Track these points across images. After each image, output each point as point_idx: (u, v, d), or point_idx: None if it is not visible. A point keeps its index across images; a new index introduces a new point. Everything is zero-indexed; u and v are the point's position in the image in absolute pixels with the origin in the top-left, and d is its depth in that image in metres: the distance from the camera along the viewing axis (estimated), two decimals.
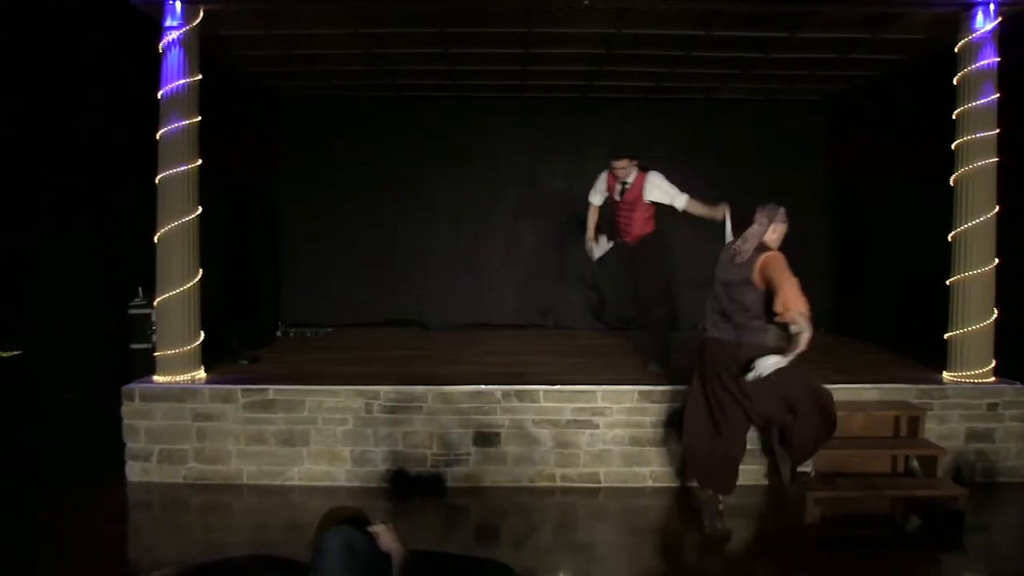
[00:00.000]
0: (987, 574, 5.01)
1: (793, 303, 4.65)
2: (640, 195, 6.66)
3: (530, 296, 9.65)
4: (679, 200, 6.62)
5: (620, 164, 6.62)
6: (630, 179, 6.66)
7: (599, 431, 6.10)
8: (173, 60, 6.07)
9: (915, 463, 5.99)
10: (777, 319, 4.75)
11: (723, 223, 6.03)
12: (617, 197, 6.78)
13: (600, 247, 7.04)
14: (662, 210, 6.80)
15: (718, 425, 5.12)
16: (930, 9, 6.26)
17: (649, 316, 7.08)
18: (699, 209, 6.53)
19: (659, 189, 6.64)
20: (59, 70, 7.79)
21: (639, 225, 6.77)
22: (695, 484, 5.52)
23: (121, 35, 7.05)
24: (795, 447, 5.25)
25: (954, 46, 6.31)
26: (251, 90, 9.02)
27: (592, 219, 7.06)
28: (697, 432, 5.23)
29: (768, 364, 4.72)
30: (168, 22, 6.07)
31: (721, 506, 5.24)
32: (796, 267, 9.58)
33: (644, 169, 6.71)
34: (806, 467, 5.49)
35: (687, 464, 5.68)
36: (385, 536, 3.04)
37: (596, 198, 6.99)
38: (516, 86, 9.03)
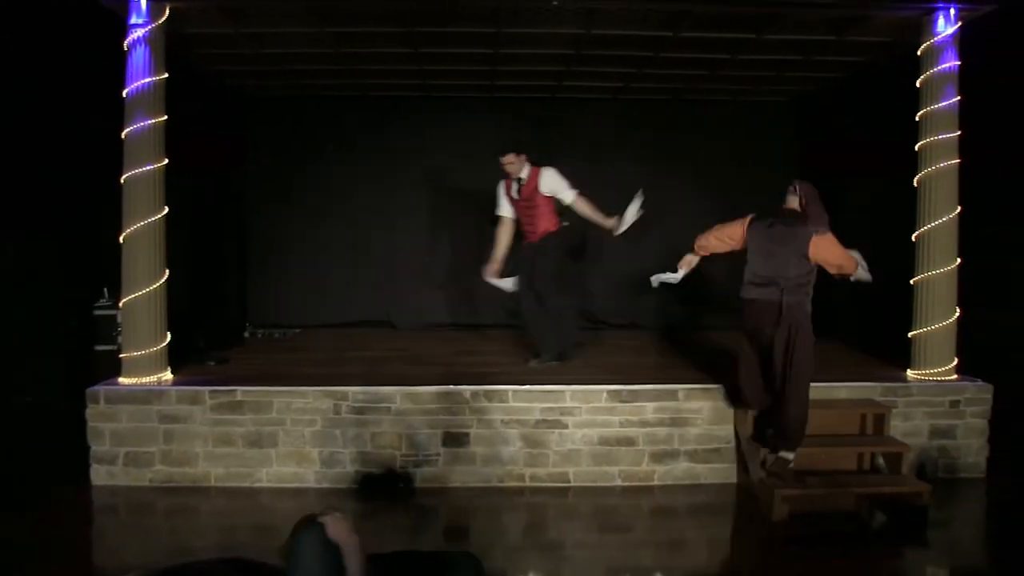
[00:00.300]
0: (949, 568, 5.09)
1: (849, 266, 5.66)
2: (535, 188, 6.76)
3: (500, 296, 9.64)
4: (568, 195, 6.79)
5: (507, 160, 6.76)
6: (524, 175, 6.75)
7: (568, 431, 6.12)
8: (138, 58, 5.99)
9: (881, 460, 6.07)
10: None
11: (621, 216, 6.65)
12: (515, 195, 6.85)
13: (504, 281, 7.08)
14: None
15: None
16: (893, 13, 6.34)
17: (539, 311, 7.02)
18: (587, 211, 6.81)
19: (552, 181, 6.77)
20: (20, 67, 7.67)
21: (544, 221, 6.85)
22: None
23: (85, 32, 6.96)
24: (786, 427, 5.46)
25: (917, 49, 6.41)
26: (218, 89, 8.94)
27: (503, 235, 7.07)
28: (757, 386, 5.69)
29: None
30: (133, 20, 5.99)
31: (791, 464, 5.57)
32: None
33: (537, 164, 6.82)
34: (789, 455, 5.57)
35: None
36: (334, 525, 2.95)
37: (504, 209, 7.04)
38: (485, 86, 9.03)
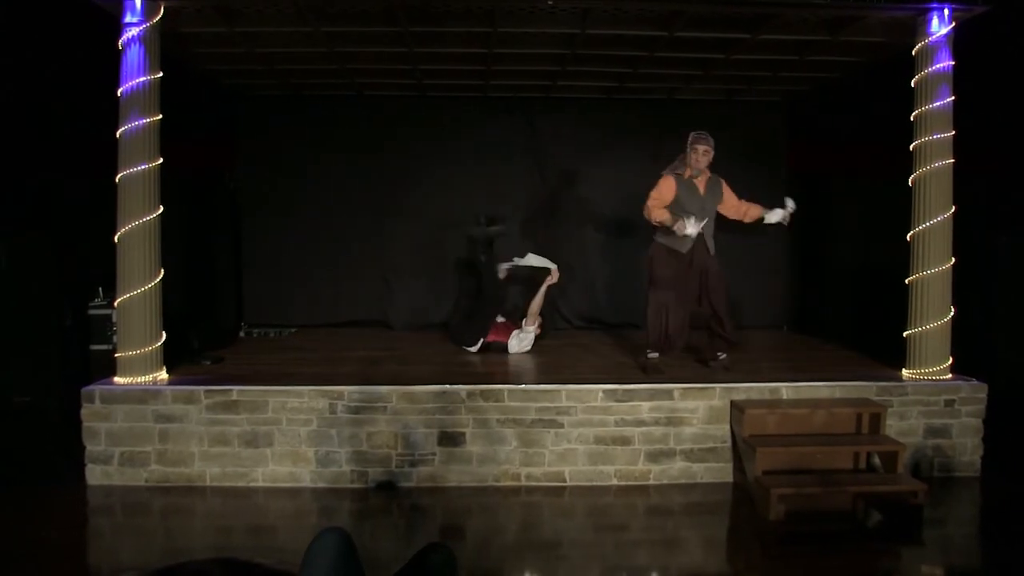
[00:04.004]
0: (944, 567, 5.10)
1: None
2: None
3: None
4: None
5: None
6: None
7: (564, 430, 6.12)
8: (133, 57, 5.98)
9: (877, 459, 6.08)
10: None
11: None
12: None
13: None
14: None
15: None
16: (887, 13, 6.36)
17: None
18: None
19: None
20: (14, 65, 7.66)
21: None
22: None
23: (80, 31, 6.95)
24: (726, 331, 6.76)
25: (911, 49, 6.43)
26: (213, 88, 8.92)
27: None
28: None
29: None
30: (128, 18, 5.98)
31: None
32: (757, 265, 9.80)
33: None
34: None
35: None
36: None
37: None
38: (480, 86, 9.02)
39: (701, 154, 6.52)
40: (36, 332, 7.90)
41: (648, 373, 6.61)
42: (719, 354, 6.88)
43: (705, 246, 6.67)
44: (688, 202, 6.55)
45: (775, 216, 6.93)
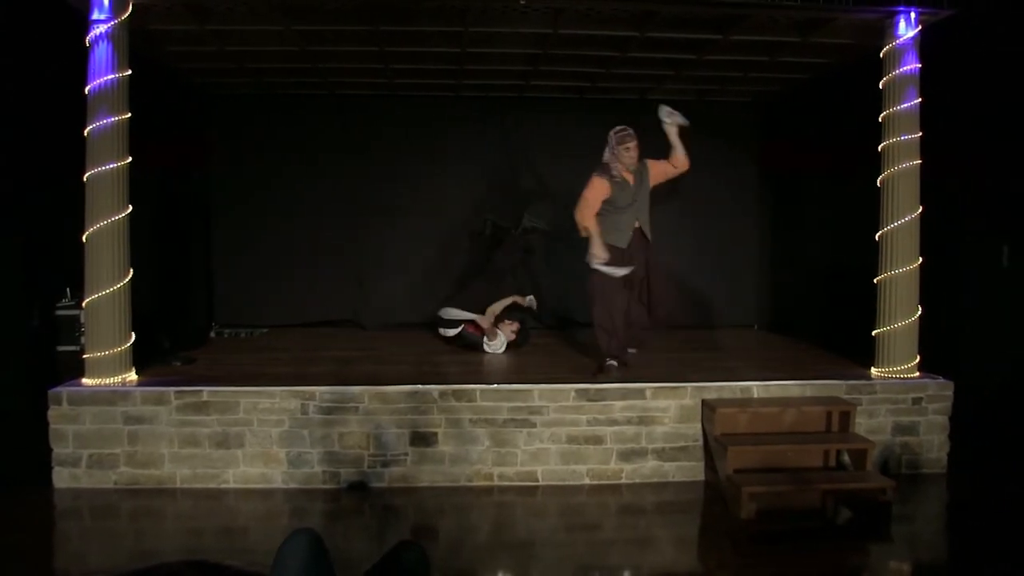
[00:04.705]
0: (912, 563, 5.16)
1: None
2: None
3: (467, 295, 9.63)
4: None
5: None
6: None
7: (536, 430, 6.13)
8: (101, 54, 5.91)
9: (846, 457, 6.14)
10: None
11: None
12: None
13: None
14: None
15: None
16: (856, 15, 6.42)
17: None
18: None
19: None
20: None
21: None
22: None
23: (46, 27, 6.85)
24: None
25: (879, 51, 6.50)
26: (183, 86, 8.84)
27: None
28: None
29: None
30: (95, 15, 5.89)
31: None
32: (727, 265, 9.85)
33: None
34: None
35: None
36: None
37: None
38: (452, 85, 9.01)
39: (633, 150, 6.61)
40: (1, 333, 7.77)
41: (596, 375, 6.59)
42: (629, 349, 7.02)
43: (643, 234, 6.79)
44: (620, 198, 6.65)
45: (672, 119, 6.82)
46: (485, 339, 7.79)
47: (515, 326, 7.99)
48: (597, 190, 6.62)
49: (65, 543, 5.30)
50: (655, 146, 9.25)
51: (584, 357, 7.36)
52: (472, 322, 7.87)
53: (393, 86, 9.04)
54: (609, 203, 6.65)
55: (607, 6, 6.57)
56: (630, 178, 6.72)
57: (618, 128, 6.70)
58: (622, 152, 6.61)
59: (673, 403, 6.23)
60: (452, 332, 7.91)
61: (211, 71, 8.39)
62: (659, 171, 6.90)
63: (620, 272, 6.61)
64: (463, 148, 9.50)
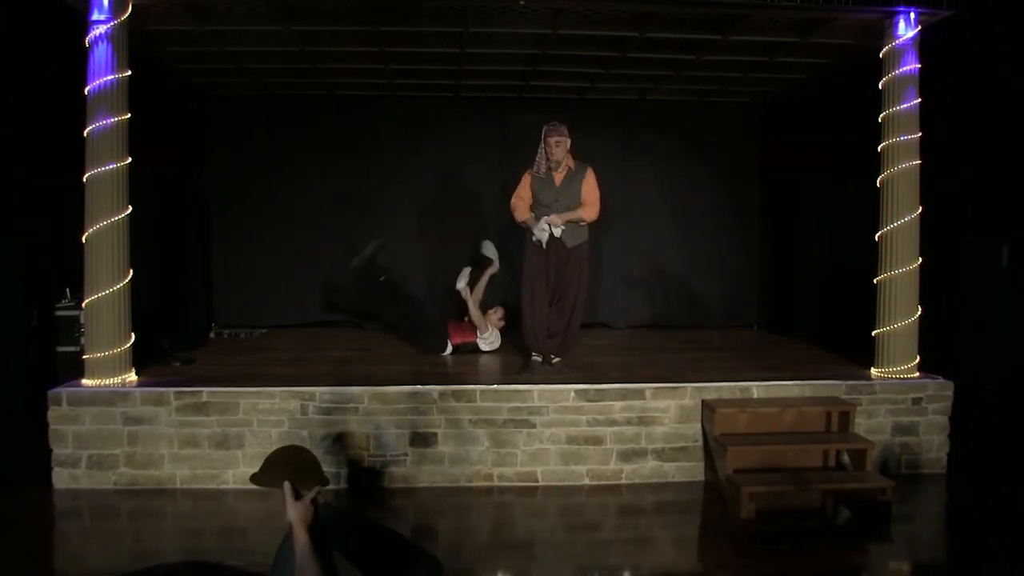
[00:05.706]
0: (911, 563, 5.16)
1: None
2: None
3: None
4: None
5: None
6: None
7: (536, 430, 6.13)
8: (100, 55, 5.91)
9: (846, 457, 6.14)
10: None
11: None
12: None
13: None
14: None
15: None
16: (855, 16, 6.42)
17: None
18: None
19: None
20: None
21: None
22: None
23: (46, 28, 6.86)
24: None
25: (879, 52, 6.50)
26: (182, 87, 8.84)
27: None
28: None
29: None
30: (95, 16, 5.89)
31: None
32: (727, 265, 9.86)
33: None
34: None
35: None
36: (293, 510, 2.88)
37: None
38: (451, 85, 9.02)
39: (554, 146, 6.49)
40: (1, 333, 7.78)
41: (520, 373, 6.62)
42: (552, 357, 6.88)
43: (561, 240, 6.57)
44: (542, 195, 6.60)
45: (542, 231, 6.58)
46: (479, 337, 7.74)
47: (499, 312, 7.92)
48: (522, 183, 6.72)
49: (65, 544, 5.30)
50: (642, 146, 9.33)
51: (584, 357, 7.36)
52: (461, 330, 7.80)
53: (392, 86, 9.05)
54: (533, 199, 6.65)
55: (606, 7, 6.57)
56: (557, 177, 6.60)
57: (550, 122, 6.61)
58: (547, 146, 6.52)
59: (673, 403, 6.23)
60: (446, 351, 7.79)
61: (210, 71, 8.39)
62: (587, 191, 6.58)
63: (545, 235, 6.48)
64: (463, 148, 9.49)
